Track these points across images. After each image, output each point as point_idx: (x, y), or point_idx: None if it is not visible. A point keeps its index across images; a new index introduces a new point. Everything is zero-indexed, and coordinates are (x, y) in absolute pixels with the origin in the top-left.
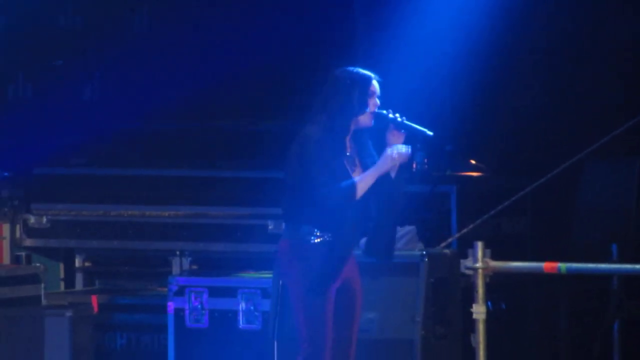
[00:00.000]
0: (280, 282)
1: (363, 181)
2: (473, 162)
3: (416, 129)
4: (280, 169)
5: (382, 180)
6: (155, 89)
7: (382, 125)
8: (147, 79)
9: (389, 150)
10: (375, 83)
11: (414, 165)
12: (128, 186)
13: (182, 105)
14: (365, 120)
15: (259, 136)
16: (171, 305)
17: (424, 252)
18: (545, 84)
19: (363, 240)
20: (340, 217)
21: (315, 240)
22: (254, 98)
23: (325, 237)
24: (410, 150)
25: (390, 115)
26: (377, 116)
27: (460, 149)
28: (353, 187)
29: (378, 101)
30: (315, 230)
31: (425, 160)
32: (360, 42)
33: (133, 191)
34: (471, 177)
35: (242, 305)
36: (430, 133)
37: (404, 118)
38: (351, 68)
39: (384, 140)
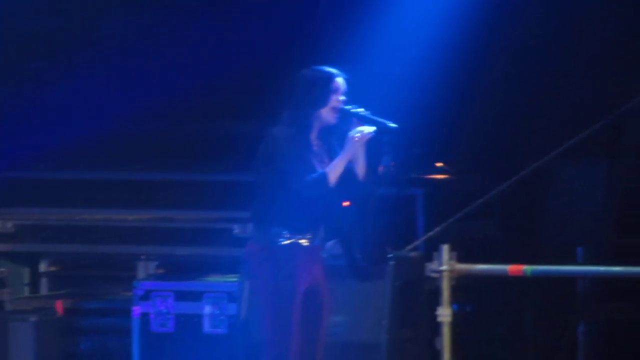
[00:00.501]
0: (248, 284)
1: (333, 169)
2: (440, 164)
3: (380, 121)
4: (246, 172)
5: (352, 183)
6: (122, 92)
7: (349, 126)
8: (114, 82)
9: (351, 133)
10: (339, 80)
11: (381, 168)
12: (93, 190)
13: (149, 108)
14: (328, 115)
15: (226, 139)
16: (137, 310)
17: (391, 255)
18: (513, 86)
19: (330, 243)
20: (309, 220)
21: (284, 242)
22: (222, 100)
23: (294, 238)
24: (372, 130)
25: (353, 110)
26: (341, 112)
27: (427, 152)
28: (324, 175)
29: (342, 98)
30: (284, 232)
31: (392, 163)
32: (329, 44)
33: (98, 195)
34: (438, 179)
35: (208, 309)
36: (395, 125)
37: (367, 112)
38: (317, 67)
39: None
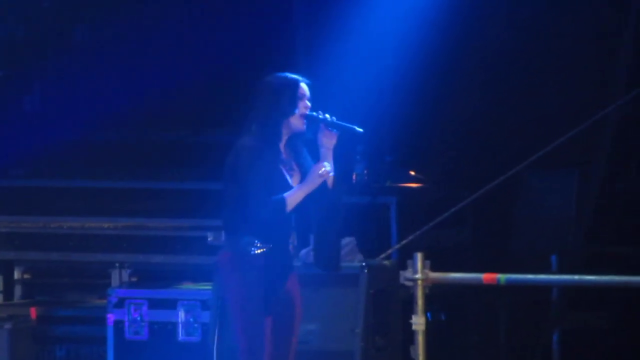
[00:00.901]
0: (221, 293)
1: (293, 196)
2: (413, 173)
3: (347, 126)
4: (219, 180)
5: (321, 191)
6: (95, 100)
7: (315, 130)
8: (87, 90)
9: (316, 167)
10: (303, 86)
11: (354, 176)
12: (67, 198)
13: (122, 116)
14: (296, 123)
15: (199, 147)
16: (111, 317)
17: (364, 264)
18: (485, 96)
19: (303, 251)
20: (280, 228)
21: (257, 252)
22: (193, 109)
23: (266, 248)
24: (332, 168)
25: (321, 116)
26: (308, 118)
27: (400, 160)
28: (283, 202)
29: (309, 104)
30: (256, 241)
31: (365, 172)
32: (300, 52)
33: (72, 203)
34: (411, 188)
35: (182, 317)
36: (361, 130)
37: (334, 117)
38: (279, 73)
39: (317, 143)
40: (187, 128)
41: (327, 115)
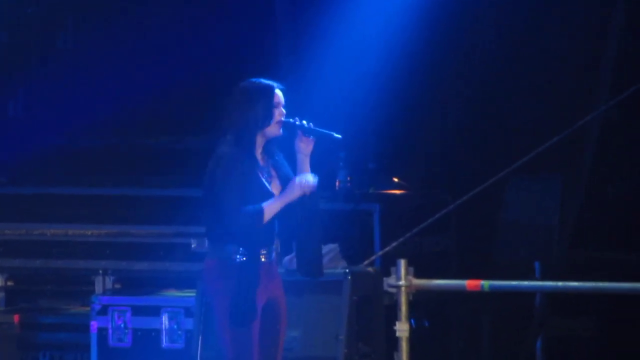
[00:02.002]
0: (205, 300)
1: (270, 207)
2: (396, 180)
3: (324, 133)
4: (201, 187)
5: (299, 199)
6: (78, 106)
7: (291, 134)
8: (70, 96)
9: (297, 179)
10: (278, 92)
11: (337, 183)
12: (51, 204)
13: (105, 122)
14: (273, 130)
15: (182, 154)
16: (94, 324)
17: (347, 270)
18: (468, 101)
19: (287, 258)
20: (264, 236)
21: (241, 259)
22: (176, 115)
23: (250, 255)
24: (316, 181)
25: (297, 123)
26: (284, 125)
27: (383, 167)
28: (260, 212)
29: (284, 110)
30: (240, 248)
31: (349, 178)
32: (283, 58)
33: (56, 209)
34: (394, 195)
35: (166, 324)
36: (338, 136)
37: (311, 124)
38: (253, 79)
39: (294, 148)
40: (170, 134)
41: (305, 122)
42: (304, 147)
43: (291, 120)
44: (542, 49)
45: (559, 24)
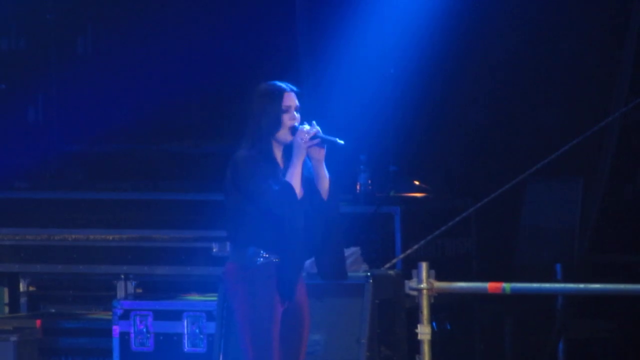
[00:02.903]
0: (227, 304)
1: (291, 176)
2: (417, 182)
3: (329, 139)
4: (222, 191)
5: (319, 204)
6: (98, 111)
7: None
8: (90, 101)
9: (295, 138)
10: (288, 96)
11: (358, 186)
12: (72, 209)
13: (126, 127)
14: (284, 136)
15: (203, 158)
16: (116, 329)
17: (369, 273)
18: (489, 104)
19: (308, 262)
20: (286, 238)
21: (262, 262)
22: (197, 120)
23: (272, 258)
24: (314, 126)
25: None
26: (294, 131)
27: (404, 170)
28: (287, 184)
29: (296, 114)
30: (262, 251)
31: (369, 181)
32: (303, 64)
33: (77, 214)
34: (415, 197)
35: (187, 328)
36: (341, 142)
37: (317, 128)
38: (267, 82)
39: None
40: (191, 139)
41: (306, 126)
42: (316, 154)
43: (297, 125)
44: (562, 51)
45: (578, 26)
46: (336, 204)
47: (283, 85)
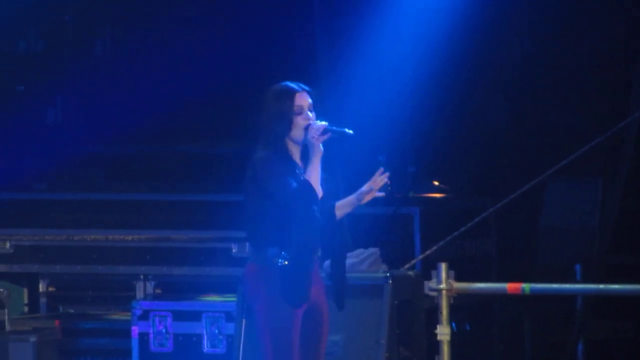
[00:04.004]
0: (247, 305)
1: (310, 174)
2: (436, 183)
3: (338, 130)
4: (242, 191)
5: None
6: (116, 113)
7: (329, 142)
8: (108, 103)
9: (307, 137)
10: (300, 96)
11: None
12: (91, 210)
13: (144, 128)
14: (299, 135)
15: (221, 159)
16: (135, 330)
17: (388, 274)
18: (507, 105)
19: (327, 263)
20: (306, 239)
21: (283, 263)
22: (214, 120)
23: (292, 259)
24: (324, 123)
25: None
26: (307, 130)
27: (423, 171)
28: (306, 182)
29: (310, 114)
30: (282, 252)
31: (388, 182)
32: (321, 64)
33: (96, 215)
34: (434, 198)
35: (206, 329)
36: (350, 132)
37: (326, 123)
38: (278, 84)
39: (329, 153)
40: (209, 140)
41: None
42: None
43: (312, 123)
44: (580, 52)
45: (597, 27)
46: (330, 206)
47: (294, 85)
